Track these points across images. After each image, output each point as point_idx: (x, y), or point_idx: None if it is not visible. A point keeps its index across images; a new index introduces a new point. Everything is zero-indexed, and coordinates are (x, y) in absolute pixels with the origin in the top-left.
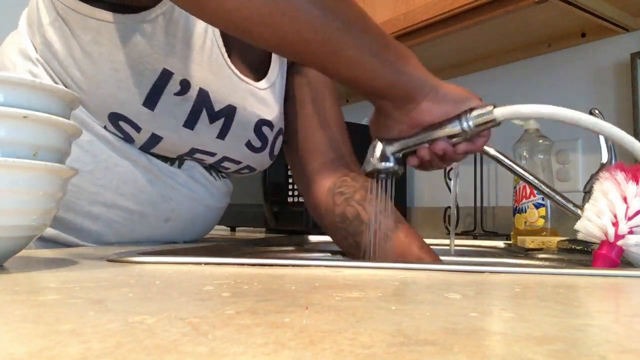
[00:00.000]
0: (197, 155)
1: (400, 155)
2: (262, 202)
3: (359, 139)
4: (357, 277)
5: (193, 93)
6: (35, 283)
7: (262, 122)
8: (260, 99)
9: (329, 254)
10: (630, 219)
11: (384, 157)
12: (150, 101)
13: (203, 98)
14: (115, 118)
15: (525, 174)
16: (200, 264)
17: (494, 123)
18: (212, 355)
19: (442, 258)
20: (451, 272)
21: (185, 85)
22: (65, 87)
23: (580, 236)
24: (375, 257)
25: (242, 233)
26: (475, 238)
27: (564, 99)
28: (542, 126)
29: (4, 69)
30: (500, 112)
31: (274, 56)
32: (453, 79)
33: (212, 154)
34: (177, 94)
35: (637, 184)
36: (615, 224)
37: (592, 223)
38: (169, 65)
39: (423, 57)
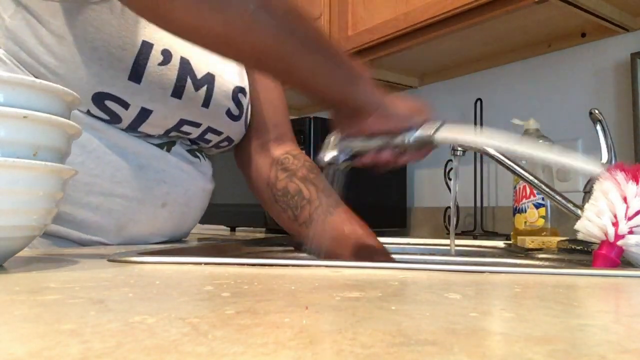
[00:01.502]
0: (184, 128)
1: (349, 155)
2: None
3: None
4: (357, 277)
5: (176, 62)
6: (35, 283)
7: (238, 89)
8: (232, 66)
9: None
10: (630, 219)
11: (335, 152)
12: (136, 74)
13: (184, 66)
14: (100, 98)
15: (525, 174)
16: (200, 264)
17: (433, 144)
18: (212, 355)
19: (441, 258)
20: (451, 272)
21: (167, 55)
22: (36, 77)
23: (580, 236)
24: (316, 230)
25: (242, 233)
26: (475, 238)
27: (564, 99)
28: (542, 126)
29: None
30: (441, 136)
31: None
32: (453, 79)
33: (198, 125)
34: (161, 64)
35: (637, 184)
36: (615, 224)
37: (592, 223)
38: (147, 37)
39: (423, 57)
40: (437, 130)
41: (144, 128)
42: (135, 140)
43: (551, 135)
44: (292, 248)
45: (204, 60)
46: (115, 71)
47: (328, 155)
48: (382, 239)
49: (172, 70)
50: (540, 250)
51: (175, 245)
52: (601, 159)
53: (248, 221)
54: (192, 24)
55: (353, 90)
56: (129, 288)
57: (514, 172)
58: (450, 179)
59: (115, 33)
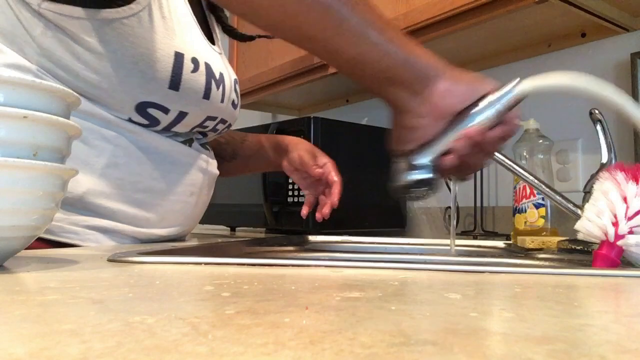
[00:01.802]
0: (206, 123)
1: (433, 163)
2: (262, 202)
3: (359, 139)
4: (357, 277)
5: (202, 68)
6: (35, 283)
7: (235, 82)
8: (226, 62)
9: (329, 254)
10: (630, 219)
11: (412, 168)
12: (175, 83)
13: (209, 70)
14: (143, 107)
15: (525, 174)
16: (200, 264)
17: (521, 98)
18: (212, 355)
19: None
20: (451, 272)
21: (196, 63)
22: (75, 91)
23: (580, 236)
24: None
25: (242, 233)
26: (475, 238)
27: (564, 99)
28: (542, 126)
29: None
30: (525, 86)
31: (215, 26)
32: None
33: (215, 118)
34: (193, 71)
35: (637, 184)
36: (615, 224)
37: (592, 223)
38: (178, 48)
39: None
40: (517, 84)
41: (176, 128)
42: (165, 140)
43: (551, 135)
44: (292, 248)
45: (215, 62)
46: (156, 82)
47: (400, 184)
48: (382, 239)
49: (201, 76)
50: (540, 250)
51: (175, 245)
52: (601, 159)
53: (248, 221)
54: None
55: (412, 50)
56: (129, 288)
57: (514, 172)
58: (450, 179)
59: (150, 46)
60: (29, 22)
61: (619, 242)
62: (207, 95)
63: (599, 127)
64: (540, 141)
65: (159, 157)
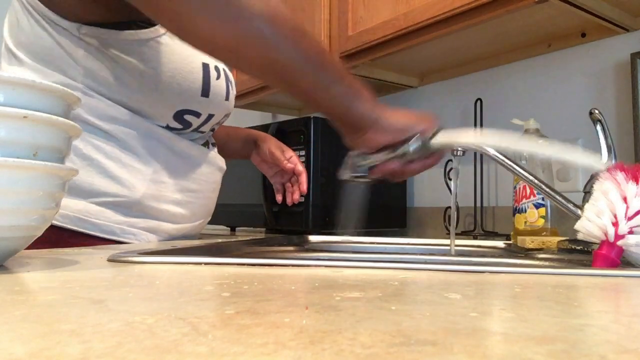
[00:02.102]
0: (221, 120)
1: (363, 170)
2: (262, 202)
3: None
4: (357, 277)
5: (222, 74)
6: (35, 283)
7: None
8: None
9: (329, 254)
10: (630, 219)
11: (349, 170)
12: (206, 91)
13: (227, 76)
14: (180, 114)
15: (525, 174)
16: (200, 264)
17: (434, 150)
18: (212, 355)
19: (441, 258)
20: (451, 272)
21: (218, 70)
22: (119, 105)
23: (580, 236)
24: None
25: (242, 233)
26: (475, 238)
27: (564, 99)
28: (542, 126)
29: None
30: (437, 141)
31: None
32: (453, 79)
33: (228, 115)
34: (217, 78)
35: (637, 184)
36: (615, 224)
37: (592, 223)
38: (203, 59)
39: (423, 57)
40: (433, 136)
41: (203, 128)
42: (192, 145)
43: (551, 135)
44: (292, 248)
45: (224, 67)
46: (191, 91)
47: (344, 173)
48: (382, 239)
49: (222, 81)
50: (540, 250)
51: (175, 245)
52: (601, 159)
53: (248, 221)
54: (207, 37)
55: (351, 105)
56: (129, 288)
57: (514, 172)
58: (450, 179)
59: (183, 59)
60: (70, 47)
61: (619, 242)
62: (227, 97)
63: (599, 127)
64: (540, 141)
65: (190, 161)
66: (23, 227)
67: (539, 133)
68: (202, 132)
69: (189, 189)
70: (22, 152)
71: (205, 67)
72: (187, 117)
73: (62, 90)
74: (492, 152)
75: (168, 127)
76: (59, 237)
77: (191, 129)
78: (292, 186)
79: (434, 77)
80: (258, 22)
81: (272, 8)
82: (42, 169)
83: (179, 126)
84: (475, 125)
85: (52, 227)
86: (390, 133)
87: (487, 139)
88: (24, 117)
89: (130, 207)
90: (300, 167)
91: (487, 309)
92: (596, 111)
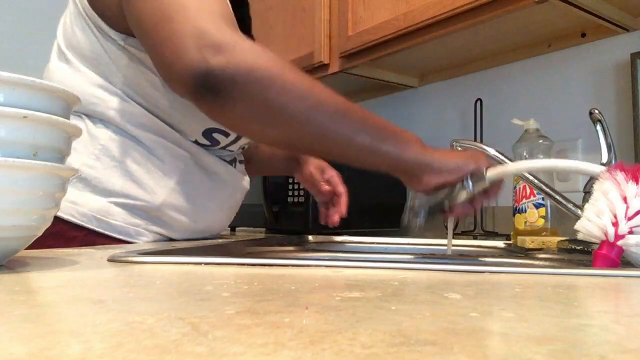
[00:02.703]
0: (250, 141)
1: (426, 212)
2: (262, 202)
3: None
4: (357, 277)
5: None
6: (35, 283)
7: None
8: None
9: (329, 254)
10: (630, 219)
11: (414, 212)
12: None
13: None
14: (209, 131)
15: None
16: (200, 264)
17: (487, 183)
18: (212, 355)
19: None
20: (451, 272)
21: None
22: (153, 115)
23: (580, 236)
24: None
25: (242, 233)
26: (475, 238)
27: (564, 99)
28: (542, 126)
29: (91, 104)
30: (491, 174)
31: None
32: (453, 79)
33: None
34: None
35: (637, 184)
36: (615, 224)
37: (592, 223)
38: None
39: (423, 57)
40: (485, 171)
41: (231, 147)
42: (219, 161)
43: (551, 135)
44: (292, 248)
45: None
46: None
47: (411, 219)
48: (382, 239)
49: None
50: (540, 250)
51: (175, 245)
52: (601, 159)
53: (248, 221)
54: (258, 135)
55: (403, 157)
56: (129, 288)
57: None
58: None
59: None
60: (115, 55)
61: (619, 242)
62: None
63: (599, 127)
64: (540, 141)
65: (214, 177)
66: (23, 227)
67: (538, 133)
68: (230, 151)
69: (206, 205)
70: (22, 152)
71: None
72: (216, 135)
73: (62, 90)
74: (492, 152)
75: (197, 142)
76: (72, 233)
77: (219, 146)
78: (332, 207)
79: (434, 77)
80: (303, 111)
81: (312, 104)
82: (42, 169)
83: (207, 143)
84: (475, 125)
85: (67, 224)
86: (444, 174)
87: (528, 165)
88: (24, 117)
89: (148, 212)
90: (341, 189)
91: (487, 309)
92: (596, 111)
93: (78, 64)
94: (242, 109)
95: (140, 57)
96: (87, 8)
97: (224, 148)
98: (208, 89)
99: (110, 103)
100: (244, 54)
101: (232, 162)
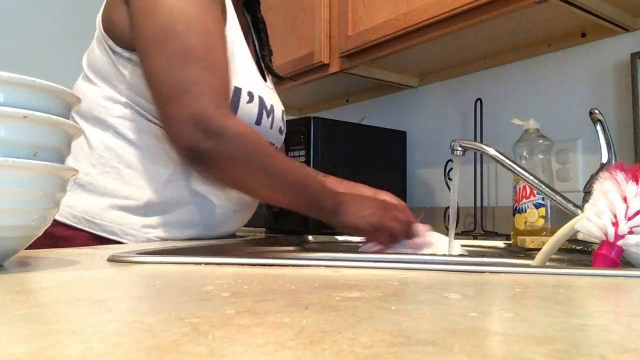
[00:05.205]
0: None
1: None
2: (262, 202)
3: (359, 139)
4: (357, 277)
5: (256, 100)
6: (35, 283)
7: (283, 112)
8: (276, 95)
9: (329, 254)
10: (630, 219)
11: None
12: (234, 109)
13: (261, 102)
14: None
15: (525, 174)
16: (200, 264)
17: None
18: (212, 355)
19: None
20: (451, 272)
21: (251, 95)
22: (156, 117)
23: (580, 236)
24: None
25: (242, 233)
26: (475, 238)
27: (564, 99)
28: (542, 126)
29: (98, 114)
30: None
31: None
32: (453, 79)
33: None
34: (248, 102)
35: (637, 184)
36: (615, 224)
37: (592, 223)
38: (237, 84)
39: (423, 57)
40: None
41: None
42: None
43: (551, 135)
44: (292, 248)
45: (268, 95)
46: None
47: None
48: None
49: (254, 106)
50: (540, 250)
51: (175, 245)
52: (601, 159)
53: (248, 221)
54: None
55: (336, 220)
56: (129, 288)
57: (514, 172)
58: (450, 179)
59: None
60: (122, 65)
61: (619, 242)
62: (258, 122)
63: (599, 127)
64: (540, 141)
65: (207, 178)
66: (23, 227)
67: (538, 133)
68: None
69: (202, 210)
70: (22, 152)
71: (237, 90)
72: None
73: (62, 90)
74: (492, 152)
75: None
76: (71, 236)
77: None
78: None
79: (434, 77)
80: (266, 194)
81: (272, 183)
82: (42, 169)
83: None
84: (475, 125)
85: (68, 228)
86: (356, 217)
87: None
88: (24, 117)
89: (138, 211)
90: None
91: (487, 309)
92: (596, 111)
93: (94, 78)
94: (221, 177)
95: (142, 66)
96: (102, 31)
97: None
98: (197, 161)
99: (113, 111)
100: (229, 142)
101: None
